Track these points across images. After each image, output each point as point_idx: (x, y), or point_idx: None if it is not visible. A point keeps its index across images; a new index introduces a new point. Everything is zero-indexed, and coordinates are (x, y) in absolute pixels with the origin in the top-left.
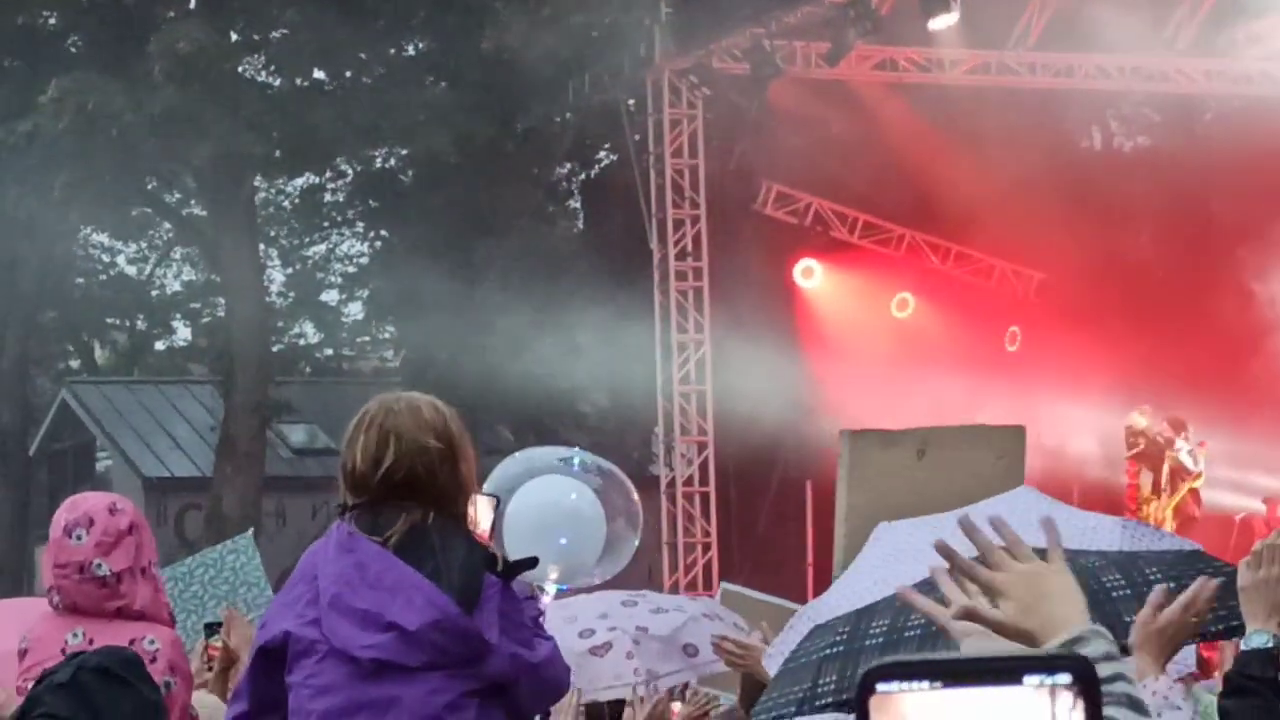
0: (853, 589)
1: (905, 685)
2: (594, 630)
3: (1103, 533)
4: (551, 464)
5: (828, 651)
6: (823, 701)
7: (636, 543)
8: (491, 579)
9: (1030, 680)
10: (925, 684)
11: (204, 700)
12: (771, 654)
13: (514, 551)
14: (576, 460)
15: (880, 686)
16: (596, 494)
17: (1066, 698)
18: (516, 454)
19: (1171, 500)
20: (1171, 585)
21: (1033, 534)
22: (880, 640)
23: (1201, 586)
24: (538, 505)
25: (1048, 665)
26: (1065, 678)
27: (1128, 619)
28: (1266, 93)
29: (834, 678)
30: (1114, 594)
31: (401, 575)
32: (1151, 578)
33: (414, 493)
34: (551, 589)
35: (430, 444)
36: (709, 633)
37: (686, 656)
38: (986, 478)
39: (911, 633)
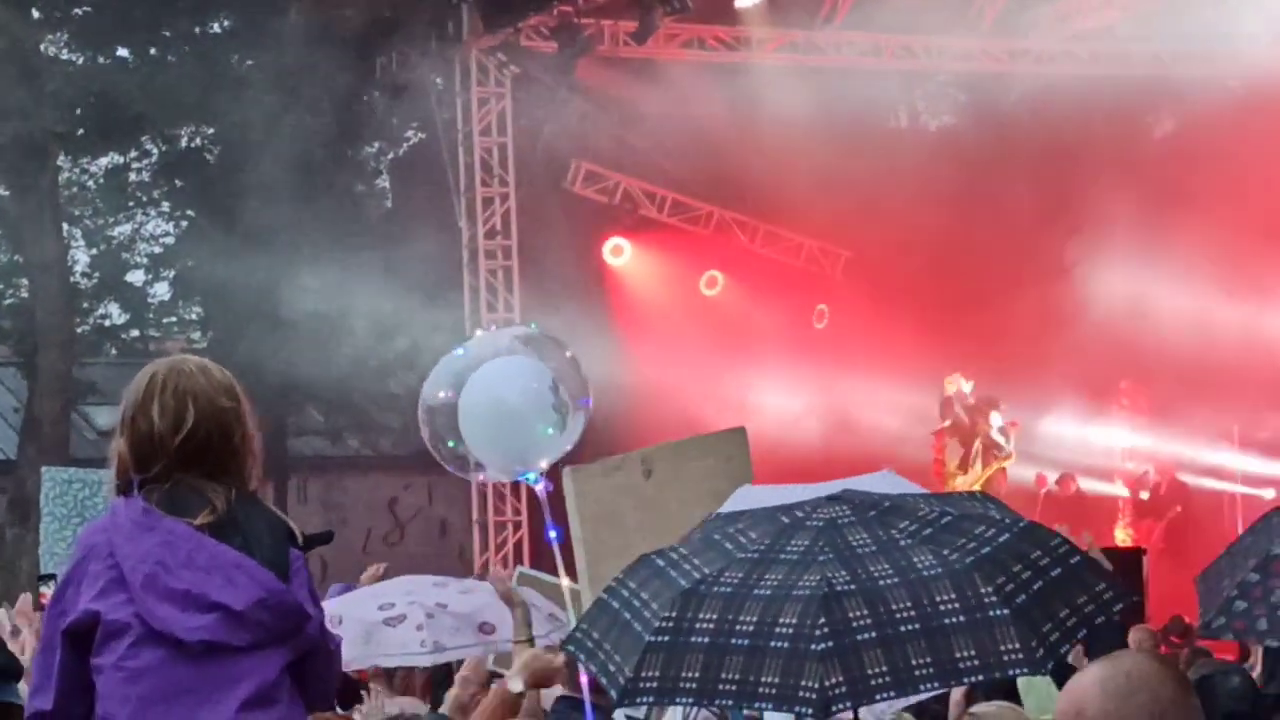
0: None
1: None
2: (394, 604)
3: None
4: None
5: (650, 639)
6: (645, 700)
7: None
8: (295, 552)
9: None
10: None
11: None
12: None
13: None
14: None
15: None
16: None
17: None
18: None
19: (982, 475)
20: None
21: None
22: (706, 640)
23: None
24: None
25: None
26: None
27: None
28: (1070, 72)
29: (656, 673)
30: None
31: (215, 553)
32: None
33: (209, 456)
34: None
35: (225, 404)
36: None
37: (481, 633)
38: (717, 481)
39: (739, 640)
